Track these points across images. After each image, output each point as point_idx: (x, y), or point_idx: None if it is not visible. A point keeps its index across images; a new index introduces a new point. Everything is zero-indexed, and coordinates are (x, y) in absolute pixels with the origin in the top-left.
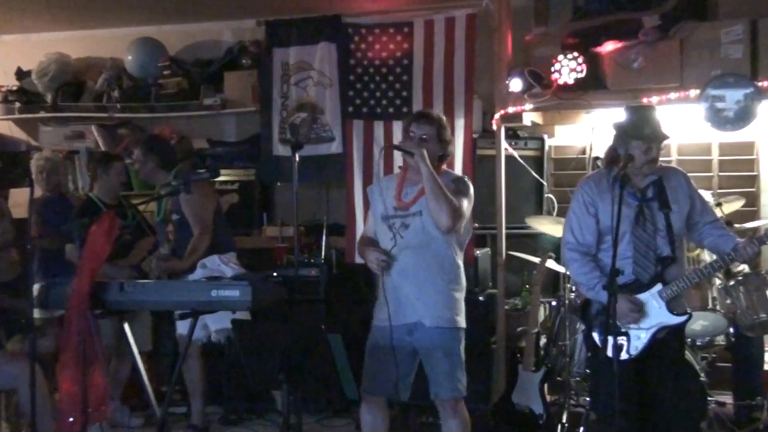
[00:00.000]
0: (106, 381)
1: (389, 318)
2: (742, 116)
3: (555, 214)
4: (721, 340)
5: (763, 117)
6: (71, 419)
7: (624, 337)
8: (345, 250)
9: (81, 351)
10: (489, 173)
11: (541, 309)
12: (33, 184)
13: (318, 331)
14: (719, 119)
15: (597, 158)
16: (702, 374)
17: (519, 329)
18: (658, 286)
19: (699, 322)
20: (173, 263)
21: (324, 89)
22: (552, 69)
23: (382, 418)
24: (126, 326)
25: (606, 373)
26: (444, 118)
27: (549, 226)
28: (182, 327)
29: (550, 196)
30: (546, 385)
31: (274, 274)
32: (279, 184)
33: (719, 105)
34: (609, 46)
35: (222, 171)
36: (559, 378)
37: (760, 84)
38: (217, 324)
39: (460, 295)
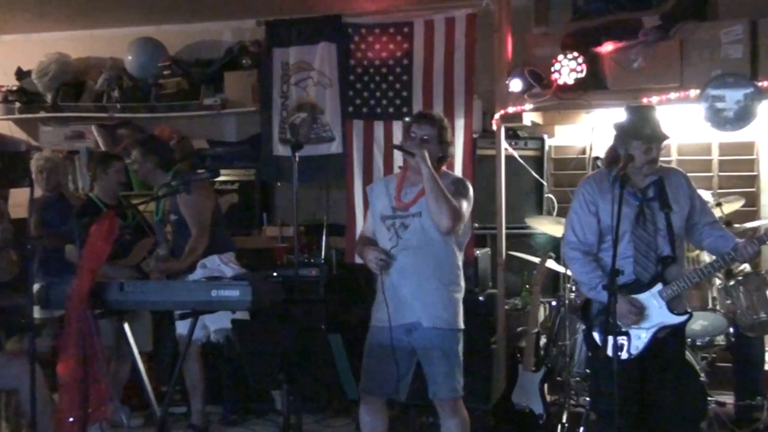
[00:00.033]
0: (106, 381)
1: (389, 318)
2: (742, 116)
3: (555, 214)
4: (721, 340)
5: (763, 117)
6: (71, 419)
7: (624, 337)
8: (345, 250)
9: (81, 351)
10: (489, 173)
11: (541, 309)
12: (33, 184)
13: (318, 331)
14: (719, 119)
15: (597, 158)
16: (702, 374)
17: (519, 329)
18: (659, 286)
19: (699, 322)
20: (171, 264)
21: (324, 89)
22: (552, 69)
23: (382, 419)
24: (126, 326)
25: (606, 373)
26: (445, 119)
27: (549, 226)
28: (182, 327)
29: (550, 196)
30: (546, 385)
31: (274, 274)
32: (279, 184)
33: (719, 105)
34: (609, 46)
35: (222, 171)
36: (559, 378)
37: (760, 84)
38: (216, 324)
39: (459, 296)
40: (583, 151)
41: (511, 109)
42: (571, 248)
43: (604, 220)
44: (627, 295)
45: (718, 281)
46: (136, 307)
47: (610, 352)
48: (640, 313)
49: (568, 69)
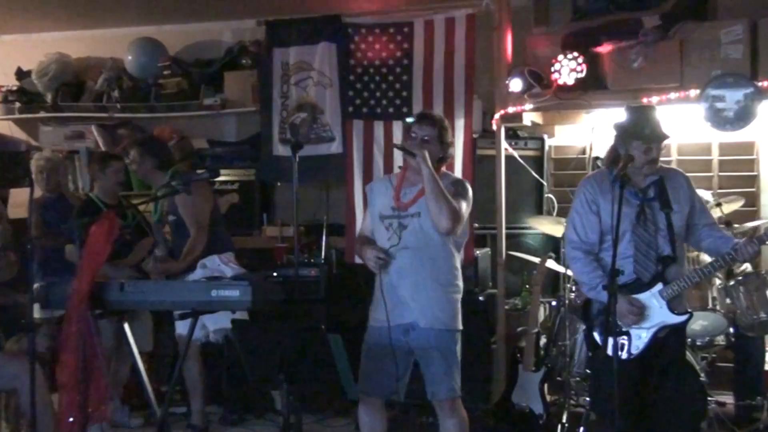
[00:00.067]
0: (106, 381)
1: (387, 317)
2: (742, 116)
3: (555, 214)
4: (721, 340)
5: (763, 117)
6: (71, 419)
7: (625, 337)
8: (345, 250)
9: (81, 351)
10: (489, 173)
11: (541, 309)
12: (33, 184)
13: (318, 331)
14: (719, 119)
15: (597, 158)
16: (702, 374)
17: (519, 329)
18: (659, 286)
19: (699, 322)
20: (169, 264)
21: (324, 89)
22: (552, 69)
23: (381, 419)
24: (126, 326)
25: (606, 373)
26: (446, 120)
27: (549, 226)
28: (181, 327)
29: (550, 196)
30: (546, 385)
31: (274, 274)
32: (279, 184)
33: (719, 105)
34: (609, 46)
35: (222, 171)
36: (559, 378)
37: (760, 84)
38: (215, 324)
39: (457, 297)
40: (583, 151)
41: (511, 109)
42: (572, 247)
43: (605, 219)
44: (627, 294)
45: (718, 281)
46: (136, 307)
47: (610, 352)
48: (640, 312)
49: (568, 69)
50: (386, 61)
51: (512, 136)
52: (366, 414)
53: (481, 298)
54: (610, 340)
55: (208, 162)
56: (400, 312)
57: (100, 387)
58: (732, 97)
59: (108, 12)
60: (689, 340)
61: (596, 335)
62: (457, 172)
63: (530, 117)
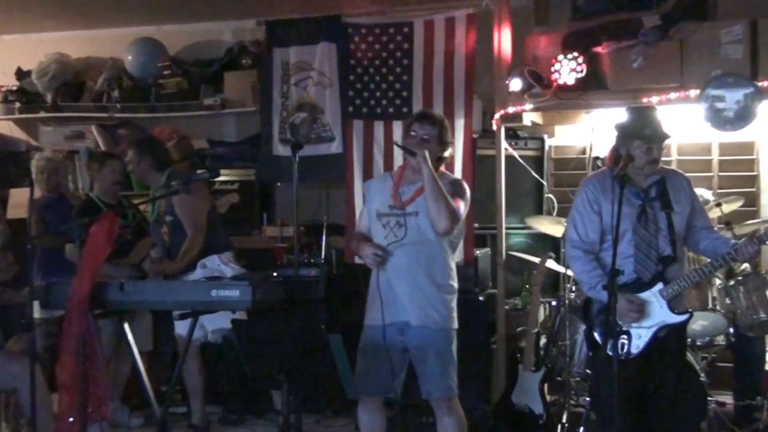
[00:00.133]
0: (106, 381)
1: (382, 315)
2: (742, 116)
3: (555, 214)
4: (721, 340)
5: (763, 117)
6: (71, 419)
7: (625, 336)
8: (345, 250)
9: (81, 351)
10: (489, 173)
11: (541, 309)
12: (33, 184)
13: (318, 331)
14: (719, 119)
15: (597, 158)
16: (702, 374)
17: (519, 329)
18: (659, 285)
19: (699, 322)
20: (166, 265)
21: (324, 89)
22: (552, 69)
23: (380, 418)
24: (126, 326)
25: (606, 373)
26: (446, 119)
27: (549, 226)
28: (180, 327)
29: (550, 196)
30: (546, 385)
31: (274, 274)
32: (279, 184)
33: (719, 105)
34: (609, 46)
35: (222, 171)
36: (559, 378)
37: (760, 84)
38: (213, 324)
39: (452, 296)
40: (583, 151)
41: (511, 109)
42: (572, 246)
43: (606, 219)
44: (628, 293)
45: (718, 281)
46: (136, 307)
47: (610, 351)
48: (640, 309)
49: (568, 69)
50: (386, 61)
51: (512, 136)
52: (365, 413)
53: (481, 298)
54: (610, 340)
55: (208, 162)
56: (395, 310)
57: (100, 387)
58: (732, 97)
59: (108, 12)
60: (689, 340)
61: (596, 335)
62: (457, 172)
63: (530, 117)
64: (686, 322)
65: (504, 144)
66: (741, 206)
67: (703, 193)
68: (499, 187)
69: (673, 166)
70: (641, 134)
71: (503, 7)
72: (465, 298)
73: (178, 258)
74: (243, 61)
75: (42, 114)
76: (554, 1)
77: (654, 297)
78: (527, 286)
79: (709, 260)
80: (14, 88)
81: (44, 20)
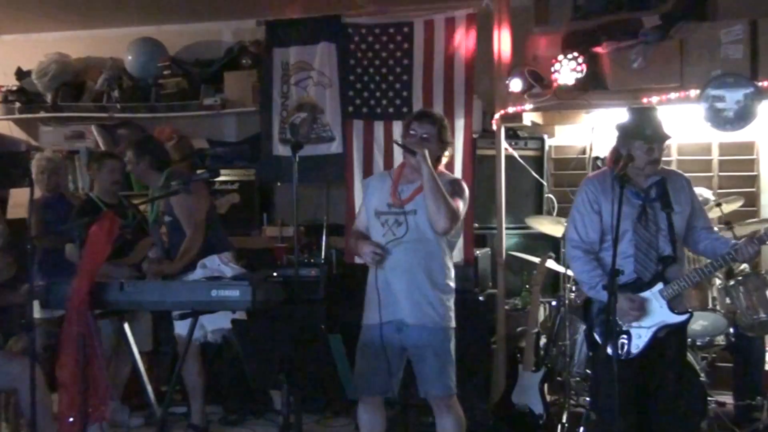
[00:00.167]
0: (106, 381)
1: (379, 314)
2: (742, 116)
3: (555, 214)
4: (721, 340)
5: (763, 117)
6: (71, 419)
7: (625, 336)
8: (345, 250)
9: (81, 351)
10: (489, 173)
11: (541, 309)
12: (33, 184)
13: (318, 331)
14: (719, 119)
15: (597, 158)
16: (702, 374)
17: (519, 329)
18: (660, 285)
19: (699, 322)
20: (164, 266)
21: (324, 89)
22: (552, 69)
23: (380, 418)
24: (126, 326)
25: (606, 373)
26: (445, 118)
27: (549, 226)
28: (180, 327)
29: (550, 196)
30: (546, 385)
31: (274, 274)
32: (279, 184)
33: (719, 105)
34: (609, 46)
35: (222, 171)
36: (559, 378)
37: (760, 84)
38: (213, 324)
39: (450, 295)
40: (583, 151)
41: (511, 109)
42: (572, 246)
43: (606, 219)
44: (628, 293)
45: (718, 281)
46: (136, 307)
47: (610, 351)
48: (640, 308)
49: (568, 69)
50: (386, 61)
51: (512, 136)
52: (365, 413)
53: (481, 298)
54: (610, 340)
55: (208, 162)
56: (393, 309)
57: (100, 387)
58: (732, 97)
59: (108, 12)
60: (689, 340)
61: (596, 335)
62: (457, 172)
63: (530, 117)
64: (686, 322)
65: (504, 144)
66: (741, 206)
67: (703, 192)
68: (499, 187)
69: (673, 166)
70: (642, 134)
71: (503, 7)
72: (465, 298)
73: (176, 258)
74: (243, 61)
75: (42, 114)
76: (554, 1)
77: (654, 297)
78: (527, 286)
79: (709, 260)
80: (14, 88)
81: (44, 20)
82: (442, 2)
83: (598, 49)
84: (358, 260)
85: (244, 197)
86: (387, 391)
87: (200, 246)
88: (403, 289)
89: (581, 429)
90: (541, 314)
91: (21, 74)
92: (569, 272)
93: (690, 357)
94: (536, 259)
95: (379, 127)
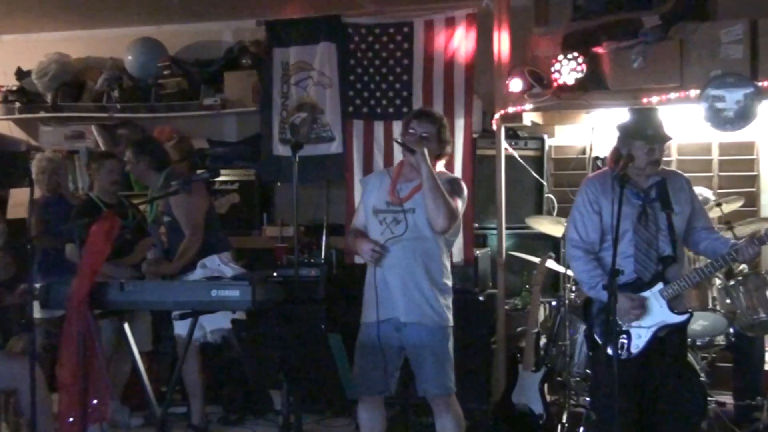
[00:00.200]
0: (106, 381)
1: (377, 312)
2: (742, 116)
3: (555, 214)
4: (721, 340)
5: (763, 117)
6: (71, 419)
7: (625, 336)
8: (345, 250)
9: (81, 351)
10: (489, 173)
11: (541, 309)
12: (33, 184)
13: (318, 331)
14: (719, 119)
15: (597, 158)
16: (702, 374)
17: (519, 329)
18: (660, 285)
19: (699, 322)
20: (163, 267)
21: (324, 89)
22: (552, 69)
23: (380, 417)
24: (126, 326)
25: (606, 373)
26: (445, 117)
27: (549, 226)
28: (179, 327)
29: (550, 196)
30: (546, 385)
31: (274, 274)
32: (279, 184)
33: (719, 105)
34: (609, 46)
35: (222, 171)
36: (559, 378)
37: (760, 84)
38: (212, 325)
39: (448, 294)
40: (583, 151)
41: (511, 109)
42: (572, 246)
43: (606, 219)
44: (628, 293)
45: (718, 281)
46: (136, 307)
47: (610, 351)
48: (641, 306)
49: (568, 69)
50: (386, 61)
51: (512, 136)
52: (365, 412)
53: (481, 298)
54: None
55: (208, 162)
56: (391, 307)
57: (100, 387)
58: (732, 97)
59: (108, 12)
60: (689, 340)
61: (596, 335)
62: (457, 172)
63: (530, 117)
64: (686, 322)
65: (504, 144)
66: (741, 206)
67: (704, 192)
68: (499, 187)
69: (673, 166)
70: (643, 135)
71: (503, 7)
72: (465, 298)
73: (175, 259)
74: (243, 61)
75: (42, 114)
76: (554, 1)
77: (654, 297)
78: (527, 286)
79: (709, 260)
80: (14, 88)
81: (44, 20)
82: (442, 2)
83: (598, 49)
84: (358, 260)
85: (244, 197)
86: (384, 390)
87: (199, 247)
88: (401, 287)
89: (581, 429)
90: (541, 314)
91: (21, 74)
92: (569, 272)
93: (690, 357)
94: (536, 259)
95: (379, 127)
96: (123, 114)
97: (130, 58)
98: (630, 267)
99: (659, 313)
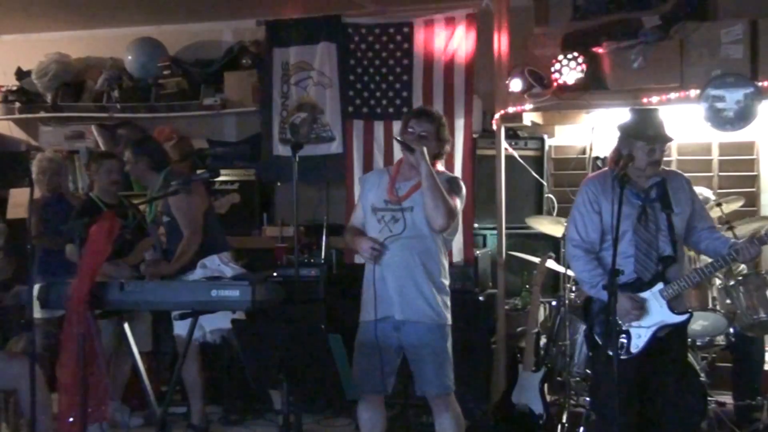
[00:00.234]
0: (106, 381)
1: (375, 310)
2: (742, 116)
3: (555, 214)
4: (721, 340)
5: (763, 117)
6: (71, 419)
7: (624, 336)
8: (345, 250)
9: (81, 351)
10: (489, 173)
11: (541, 309)
12: (33, 184)
13: (318, 331)
14: (719, 119)
15: (597, 158)
16: (702, 374)
17: (519, 329)
18: (660, 285)
19: (699, 322)
20: (162, 268)
21: (324, 89)
22: (552, 69)
23: (380, 416)
24: (126, 326)
25: (606, 373)
26: (444, 116)
27: (549, 226)
28: (179, 327)
29: (550, 196)
30: (546, 385)
31: (274, 274)
32: (279, 184)
33: (719, 105)
34: (609, 46)
35: (222, 171)
36: (559, 378)
37: (760, 84)
38: (211, 325)
39: (445, 293)
40: (583, 151)
41: (511, 109)
42: (573, 246)
43: (606, 219)
44: (628, 292)
45: (718, 281)
46: (136, 307)
47: (610, 351)
48: (641, 307)
49: (568, 69)
50: (386, 61)
51: (512, 136)
52: (365, 410)
53: (481, 298)
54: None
55: (208, 162)
56: (390, 306)
57: (100, 387)
58: (732, 97)
59: (108, 12)
60: (689, 340)
61: (596, 335)
62: (457, 172)
63: (530, 117)
64: (686, 322)
65: (504, 144)
66: (741, 206)
67: (704, 191)
68: (499, 187)
69: (673, 166)
70: (644, 135)
71: (503, 7)
72: (465, 298)
73: (173, 260)
74: (243, 61)
75: (42, 114)
76: (554, 1)
77: (654, 297)
78: (527, 286)
79: (709, 260)
80: (14, 88)
81: (44, 20)
82: (442, 2)
83: (598, 49)
84: (358, 260)
85: (244, 197)
86: (381, 389)
87: (197, 247)
88: (399, 285)
89: (581, 429)
90: (541, 314)
91: (21, 74)
92: (569, 272)
93: (690, 357)
94: (536, 259)
95: (379, 127)
96: (123, 114)
97: (130, 58)
98: (630, 267)
99: (659, 313)
